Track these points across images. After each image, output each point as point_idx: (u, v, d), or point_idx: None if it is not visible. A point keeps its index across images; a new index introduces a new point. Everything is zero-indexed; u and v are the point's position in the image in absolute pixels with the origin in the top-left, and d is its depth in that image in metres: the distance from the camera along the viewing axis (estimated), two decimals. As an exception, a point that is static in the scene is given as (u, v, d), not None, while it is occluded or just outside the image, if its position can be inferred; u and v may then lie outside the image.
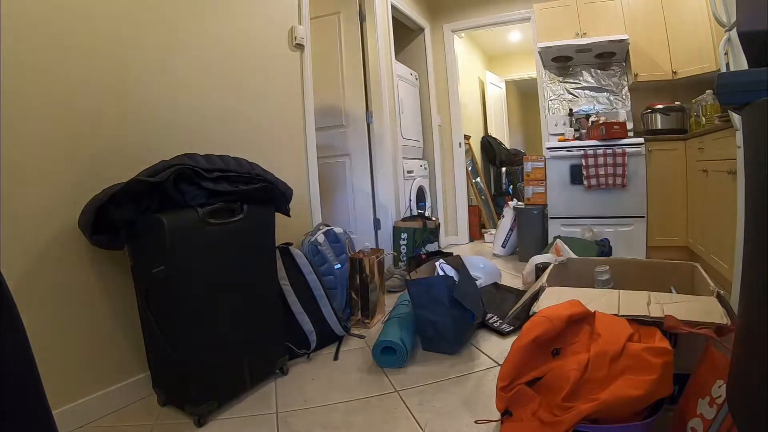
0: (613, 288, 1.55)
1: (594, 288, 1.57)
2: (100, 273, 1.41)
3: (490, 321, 1.96)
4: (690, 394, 1.01)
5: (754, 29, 0.68)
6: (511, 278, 2.83)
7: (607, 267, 1.64)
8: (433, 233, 3.17)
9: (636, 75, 3.34)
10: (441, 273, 1.89)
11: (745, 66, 0.80)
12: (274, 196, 1.61)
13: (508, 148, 5.71)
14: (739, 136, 1.80)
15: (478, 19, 4.13)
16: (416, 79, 4.06)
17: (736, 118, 1.83)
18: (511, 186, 5.23)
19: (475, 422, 1.21)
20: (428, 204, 3.97)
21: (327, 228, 2.16)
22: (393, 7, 3.54)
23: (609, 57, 3.55)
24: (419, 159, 3.98)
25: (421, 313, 1.77)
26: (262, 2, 2.14)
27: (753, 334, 0.63)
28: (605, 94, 3.67)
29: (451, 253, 2.48)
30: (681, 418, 1.01)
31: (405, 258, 3.08)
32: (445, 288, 1.70)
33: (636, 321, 1.11)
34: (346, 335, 1.94)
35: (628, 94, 3.59)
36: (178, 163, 1.31)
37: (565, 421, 0.95)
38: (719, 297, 1.19)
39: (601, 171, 3.08)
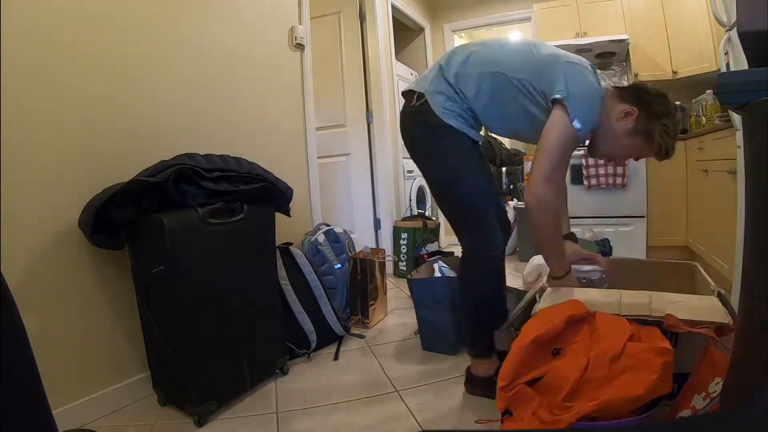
0: (611, 287, 1.54)
1: (594, 288, 1.56)
2: (100, 273, 1.41)
3: (490, 321, 1.96)
4: (687, 391, 1.01)
5: (754, 29, 0.68)
6: (511, 278, 2.82)
7: (596, 266, 1.61)
8: (433, 233, 3.16)
9: (636, 75, 3.34)
10: (439, 274, 1.89)
11: (745, 66, 0.80)
12: (274, 195, 1.61)
13: (508, 148, 5.70)
14: (739, 136, 1.80)
15: (478, 18, 4.13)
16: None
17: (736, 118, 1.83)
18: (512, 186, 5.22)
19: (476, 422, 1.22)
20: (428, 204, 3.96)
21: (327, 228, 2.16)
22: (393, 7, 3.54)
23: (609, 57, 3.54)
24: (419, 159, 3.97)
25: (422, 313, 1.77)
26: (262, 2, 2.13)
27: (753, 334, 0.63)
28: (605, 93, 3.67)
29: (452, 253, 2.49)
30: (675, 411, 1.01)
31: (405, 258, 3.08)
32: (448, 289, 1.70)
33: (636, 321, 1.11)
34: (346, 335, 1.94)
35: (629, 94, 3.59)
36: (178, 162, 1.31)
37: (565, 420, 0.95)
38: (720, 296, 1.19)
39: (602, 171, 3.07)
